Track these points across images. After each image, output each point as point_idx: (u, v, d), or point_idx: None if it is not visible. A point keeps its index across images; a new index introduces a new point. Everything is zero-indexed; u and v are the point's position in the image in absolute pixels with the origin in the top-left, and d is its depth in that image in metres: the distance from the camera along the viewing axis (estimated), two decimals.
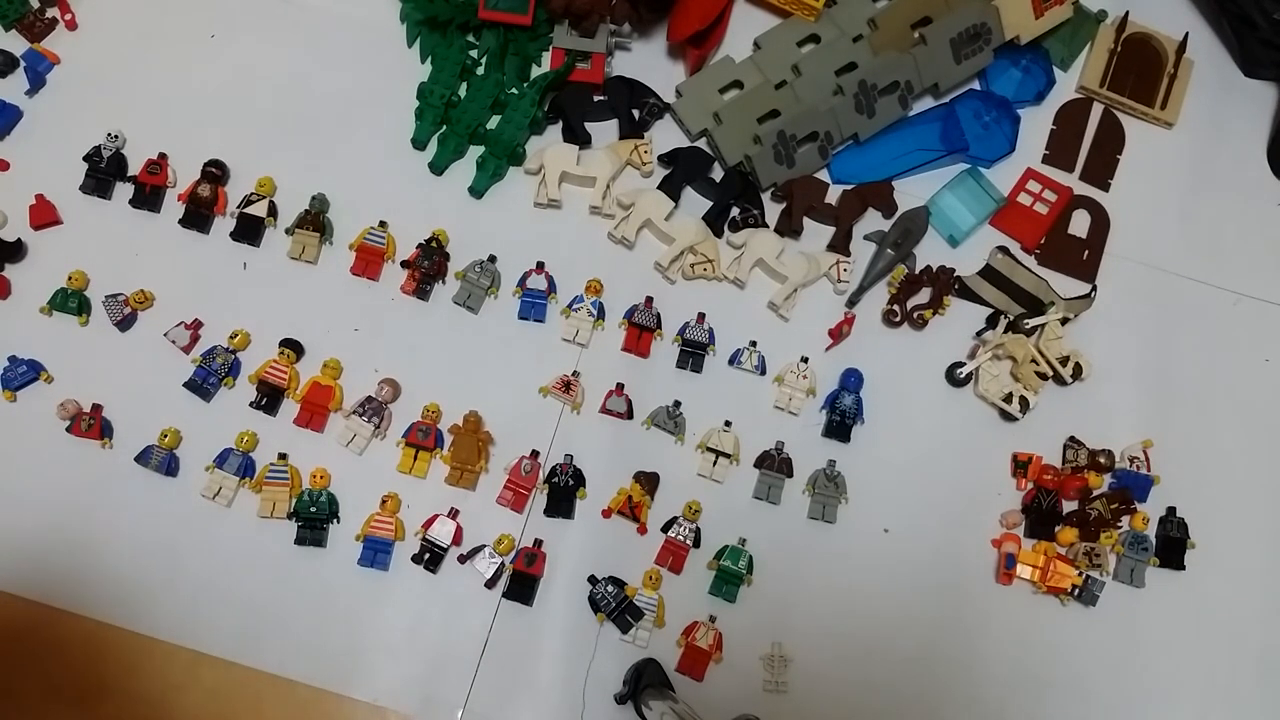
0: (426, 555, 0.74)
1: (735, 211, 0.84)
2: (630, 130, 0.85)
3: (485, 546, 0.75)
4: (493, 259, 0.81)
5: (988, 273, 0.86)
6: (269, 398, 0.76)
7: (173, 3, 0.86)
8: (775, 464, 0.79)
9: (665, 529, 0.77)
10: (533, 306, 0.80)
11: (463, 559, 0.75)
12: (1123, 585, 0.80)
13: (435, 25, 0.85)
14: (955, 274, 0.85)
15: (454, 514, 0.75)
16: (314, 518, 0.74)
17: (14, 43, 0.83)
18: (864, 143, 0.86)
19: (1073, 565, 0.79)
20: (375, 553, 0.74)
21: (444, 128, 0.84)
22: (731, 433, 0.79)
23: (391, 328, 0.79)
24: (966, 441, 0.82)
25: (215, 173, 0.80)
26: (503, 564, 0.75)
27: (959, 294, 0.85)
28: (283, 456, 0.75)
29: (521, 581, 0.74)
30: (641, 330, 0.81)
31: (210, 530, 0.74)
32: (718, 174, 0.86)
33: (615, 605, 0.74)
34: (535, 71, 0.86)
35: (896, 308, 0.83)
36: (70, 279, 0.77)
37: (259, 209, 0.80)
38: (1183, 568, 0.81)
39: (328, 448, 0.76)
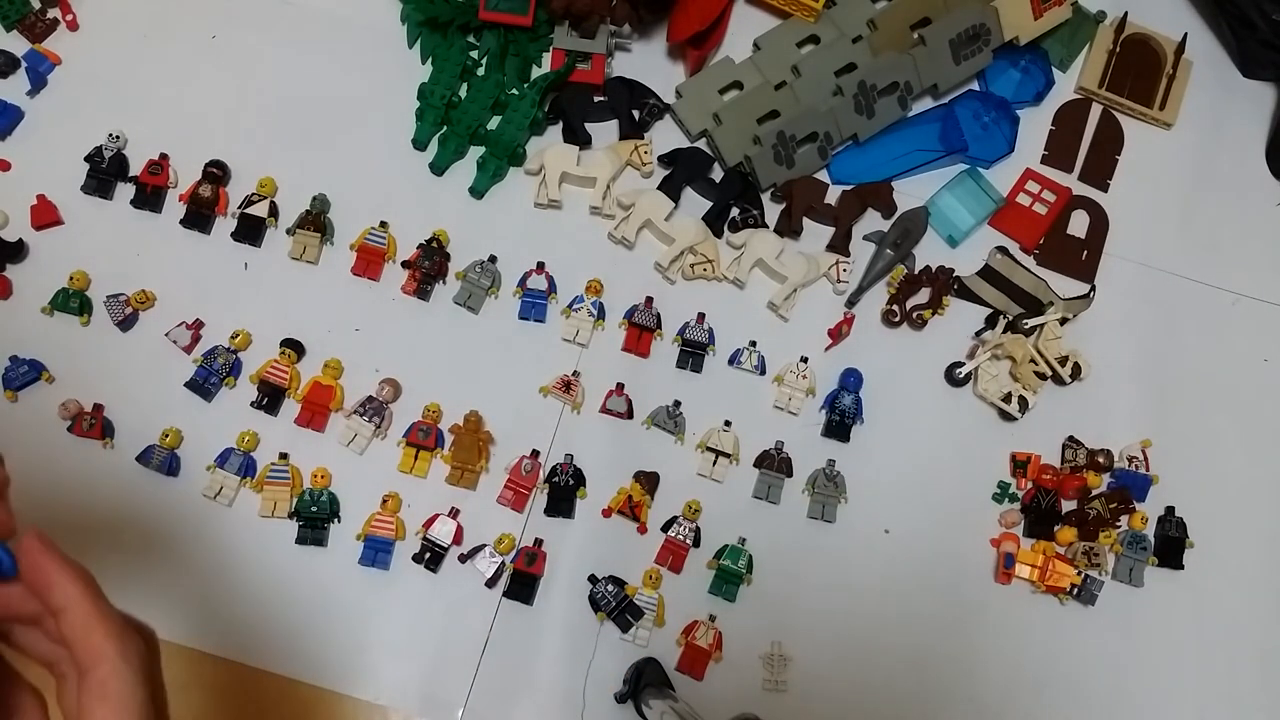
0: (427, 554, 0.74)
1: (735, 212, 0.85)
2: (630, 131, 0.85)
3: (486, 546, 0.75)
4: (493, 259, 0.81)
5: (987, 273, 0.86)
6: (270, 397, 0.76)
7: (174, 4, 0.86)
8: (775, 463, 0.79)
9: (665, 528, 0.77)
10: (533, 306, 0.80)
11: (463, 558, 0.75)
12: (1121, 584, 0.80)
13: (436, 26, 0.85)
14: (954, 274, 0.85)
15: (454, 513, 0.75)
16: (315, 517, 0.74)
17: (15, 43, 0.83)
18: (863, 143, 0.86)
19: (1071, 565, 0.79)
20: (376, 552, 0.74)
21: (444, 128, 0.84)
22: (731, 432, 0.79)
23: (392, 328, 0.80)
24: (965, 441, 0.82)
25: (216, 173, 0.80)
26: (503, 563, 0.75)
27: (958, 294, 0.86)
28: (284, 456, 0.75)
29: (522, 581, 0.75)
30: (641, 330, 0.81)
31: (211, 529, 0.74)
32: (718, 174, 0.86)
33: (615, 604, 0.74)
34: (536, 72, 0.86)
35: (896, 308, 0.83)
36: (72, 279, 0.77)
37: (260, 209, 0.80)
38: (1181, 567, 0.81)
39: (328, 447, 0.76)
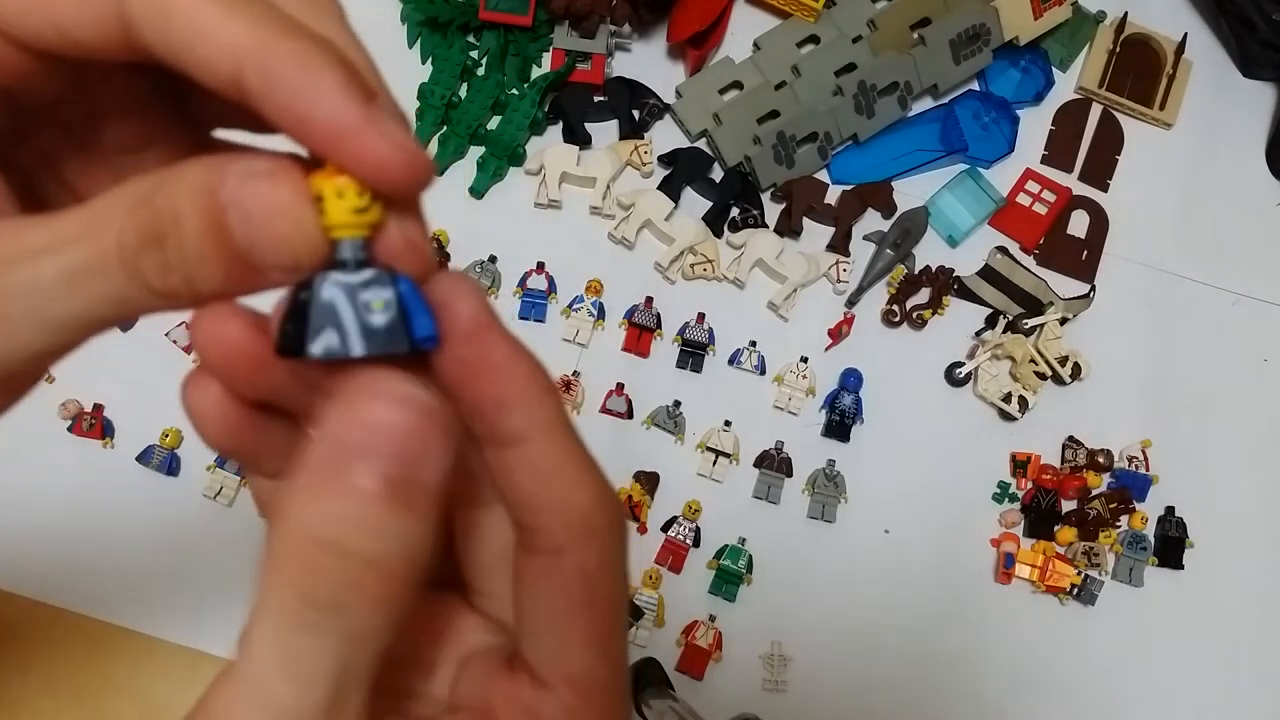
0: None
1: (735, 212, 0.85)
2: (630, 131, 0.85)
3: None
4: (493, 259, 0.81)
5: (987, 273, 0.86)
6: None
7: None
8: (775, 463, 0.79)
9: (665, 528, 0.77)
10: (533, 306, 0.80)
11: None
12: (1121, 584, 0.80)
13: (436, 26, 0.85)
14: (954, 274, 0.85)
15: None
16: None
17: None
18: (863, 143, 0.86)
19: (1071, 565, 0.79)
20: None
21: (444, 128, 0.84)
22: (731, 432, 0.79)
23: None
24: (965, 441, 0.82)
25: None
26: None
27: (958, 294, 0.86)
28: None
29: None
30: (641, 330, 0.81)
31: (211, 529, 0.74)
32: (718, 174, 0.86)
33: None
34: (535, 72, 0.86)
35: (896, 308, 0.83)
36: None
37: None
38: (1181, 567, 0.81)
39: None
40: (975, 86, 0.91)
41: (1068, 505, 0.82)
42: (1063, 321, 0.84)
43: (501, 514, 0.22)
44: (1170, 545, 0.81)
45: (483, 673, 0.22)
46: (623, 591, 0.22)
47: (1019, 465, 0.82)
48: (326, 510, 0.18)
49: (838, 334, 0.83)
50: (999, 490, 0.81)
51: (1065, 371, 0.83)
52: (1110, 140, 0.92)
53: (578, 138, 0.84)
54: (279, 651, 0.18)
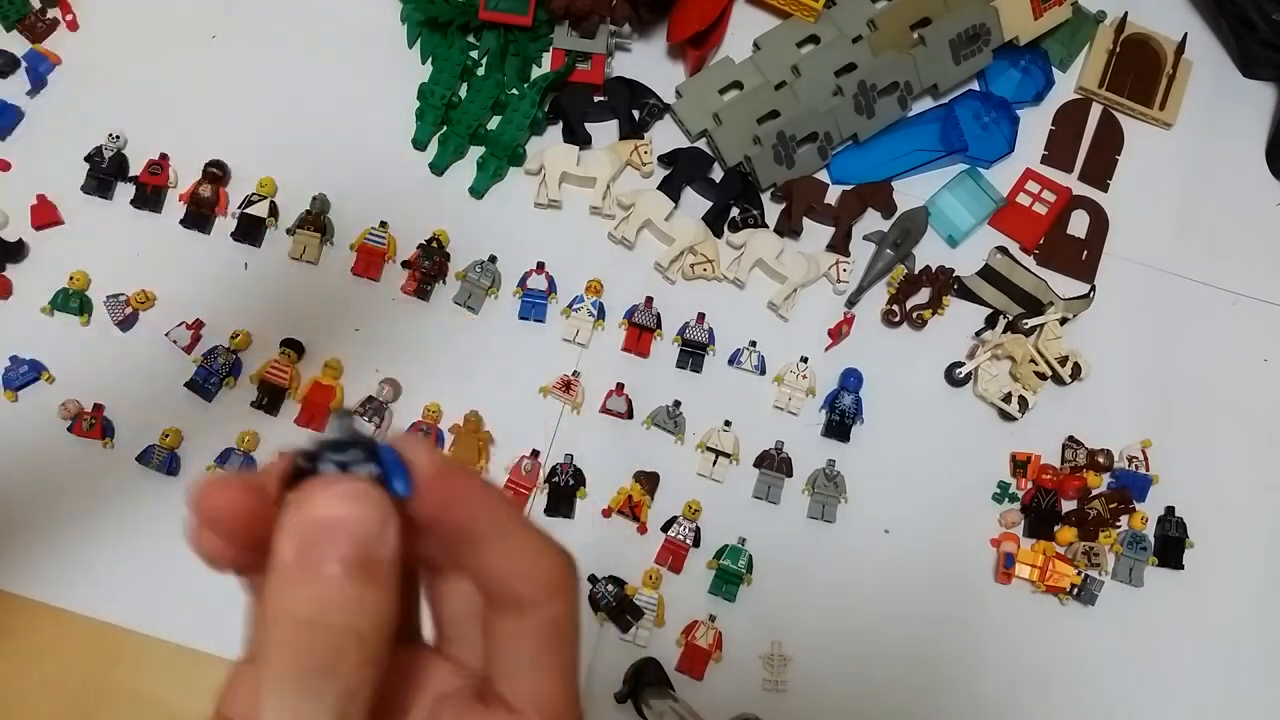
0: None
1: (735, 212, 0.85)
2: (630, 131, 0.85)
3: None
4: (493, 259, 0.81)
5: (987, 273, 0.86)
6: (270, 397, 0.76)
7: (174, 4, 0.86)
8: (775, 463, 0.79)
9: (665, 528, 0.77)
10: (533, 306, 0.80)
11: None
12: (1121, 584, 0.80)
13: (436, 26, 0.85)
14: (954, 274, 0.85)
15: None
16: None
17: (15, 43, 0.83)
18: (863, 143, 0.86)
19: (1071, 565, 0.79)
20: None
21: (444, 128, 0.84)
22: (731, 432, 0.79)
23: (392, 328, 0.80)
24: (965, 441, 0.82)
25: (216, 173, 0.80)
26: None
27: (958, 294, 0.85)
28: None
29: None
30: (641, 330, 0.81)
31: None
32: (718, 174, 0.86)
33: (615, 604, 0.74)
34: (535, 72, 0.86)
35: (896, 308, 0.83)
36: (71, 279, 0.77)
37: (260, 209, 0.80)
38: (1181, 567, 0.81)
39: None
40: (975, 86, 0.91)
41: (1068, 505, 0.82)
42: (1063, 321, 0.84)
43: (465, 583, 0.26)
44: (1170, 545, 0.81)
45: (458, 707, 0.26)
46: (579, 633, 0.26)
47: (1019, 465, 0.82)
48: (304, 595, 0.21)
49: (838, 334, 0.83)
50: (999, 490, 0.81)
51: (1065, 371, 0.83)
52: (1110, 140, 0.92)
53: (578, 138, 0.84)
54: (288, 716, 0.21)
